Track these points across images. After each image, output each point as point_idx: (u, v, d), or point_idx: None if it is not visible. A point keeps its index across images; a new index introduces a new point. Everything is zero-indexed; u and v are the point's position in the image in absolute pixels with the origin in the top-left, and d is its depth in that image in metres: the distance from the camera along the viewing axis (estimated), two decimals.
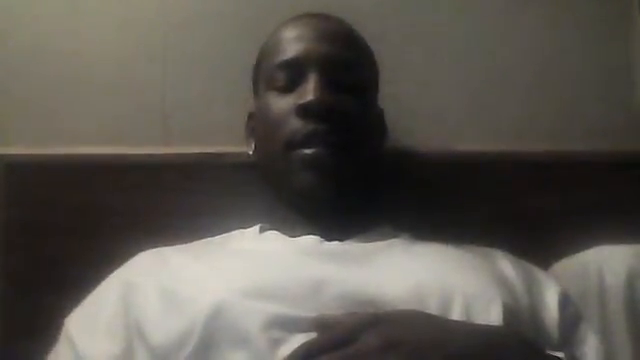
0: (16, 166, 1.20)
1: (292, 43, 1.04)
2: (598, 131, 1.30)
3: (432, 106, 1.29)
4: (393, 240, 1.00)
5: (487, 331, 0.84)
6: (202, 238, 1.06)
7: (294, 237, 0.98)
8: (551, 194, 1.23)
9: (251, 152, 1.11)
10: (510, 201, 1.23)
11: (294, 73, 1.03)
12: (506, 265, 0.99)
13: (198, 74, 1.28)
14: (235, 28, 1.28)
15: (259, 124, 1.07)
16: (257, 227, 1.06)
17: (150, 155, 1.22)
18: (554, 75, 1.32)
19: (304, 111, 0.99)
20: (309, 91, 0.99)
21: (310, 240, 0.97)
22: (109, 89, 1.26)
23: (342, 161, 0.99)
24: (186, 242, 1.04)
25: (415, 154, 1.24)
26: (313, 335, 0.81)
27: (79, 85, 1.26)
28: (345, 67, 1.04)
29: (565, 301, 0.96)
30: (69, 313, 0.96)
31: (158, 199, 1.19)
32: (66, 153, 1.22)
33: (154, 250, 1.01)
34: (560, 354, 0.86)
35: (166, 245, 1.02)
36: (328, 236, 0.97)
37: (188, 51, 1.28)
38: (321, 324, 0.82)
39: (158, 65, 1.27)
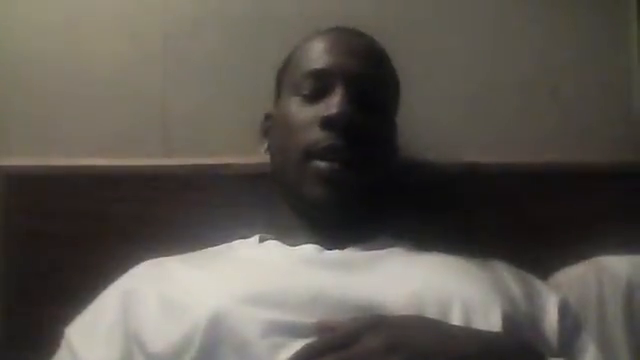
0: (16, 177, 1.20)
1: (323, 54, 1.05)
2: (597, 141, 1.30)
3: (433, 117, 1.29)
4: (393, 249, 1.00)
5: (488, 336, 0.84)
6: (202, 248, 1.06)
7: (294, 246, 0.99)
8: (551, 204, 1.24)
9: (263, 151, 1.11)
10: (510, 212, 1.23)
11: (321, 84, 1.03)
12: (505, 275, 0.99)
13: (199, 84, 1.28)
14: (236, 37, 1.28)
15: (278, 127, 1.07)
16: (257, 237, 1.06)
17: (150, 166, 1.23)
18: (551, 85, 1.32)
19: (327, 123, 0.99)
20: (334, 104, 1.00)
21: (310, 249, 0.97)
22: (109, 100, 1.27)
23: (354, 178, 1.00)
24: (186, 252, 1.04)
25: (416, 165, 1.24)
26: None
27: (79, 96, 1.27)
28: (372, 85, 1.05)
29: (565, 310, 0.97)
30: (70, 322, 0.97)
31: (158, 209, 1.19)
32: (66, 164, 1.22)
33: (154, 260, 1.02)
34: None
35: (166, 255, 1.02)
36: (328, 245, 0.98)
37: (188, 62, 1.28)
38: (322, 329, 0.82)
39: (158, 76, 1.27)
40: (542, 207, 1.23)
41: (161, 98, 1.27)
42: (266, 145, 1.11)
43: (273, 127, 1.10)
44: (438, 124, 1.29)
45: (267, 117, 1.14)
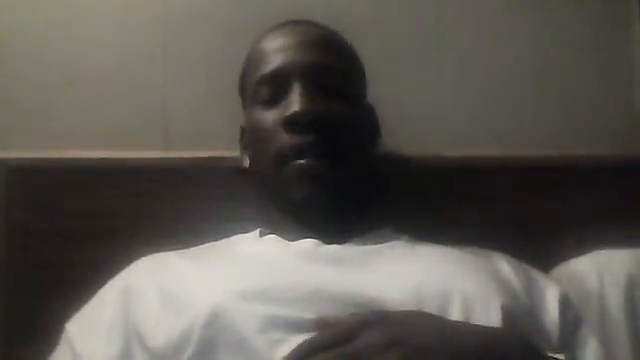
0: (17, 170, 1.20)
1: (273, 55, 1.03)
2: (598, 135, 1.30)
3: (432, 111, 1.29)
4: (392, 242, 1.00)
5: (488, 332, 0.84)
6: (202, 243, 1.06)
7: (293, 241, 0.98)
8: (551, 198, 1.24)
9: (246, 165, 1.11)
10: (510, 205, 1.23)
11: (278, 85, 1.02)
12: (505, 267, 0.99)
13: (198, 78, 1.28)
14: (235, 32, 1.28)
15: (249, 139, 1.08)
16: (257, 231, 1.06)
17: (150, 159, 1.22)
18: (554, 79, 1.32)
19: (290, 123, 0.98)
20: (294, 102, 0.99)
21: (309, 244, 0.97)
22: (109, 93, 1.27)
23: (334, 169, 0.99)
24: (186, 247, 1.04)
25: (415, 159, 1.24)
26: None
27: (79, 89, 1.26)
28: (329, 73, 1.03)
29: (565, 303, 0.96)
30: (70, 317, 0.97)
31: (158, 203, 1.19)
32: (67, 157, 1.22)
33: (154, 255, 1.01)
34: (560, 356, 0.87)
35: (166, 250, 1.02)
36: (327, 240, 0.97)
37: (188, 55, 1.28)
38: (321, 324, 0.82)
39: (158, 69, 1.27)
40: (542, 201, 1.23)
41: (161, 92, 1.27)
42: (247, 160, 1.10)
43: (247, 139, 1.10)
44: (436, 118, 1.29)
45: (243, 130, 1.13)
